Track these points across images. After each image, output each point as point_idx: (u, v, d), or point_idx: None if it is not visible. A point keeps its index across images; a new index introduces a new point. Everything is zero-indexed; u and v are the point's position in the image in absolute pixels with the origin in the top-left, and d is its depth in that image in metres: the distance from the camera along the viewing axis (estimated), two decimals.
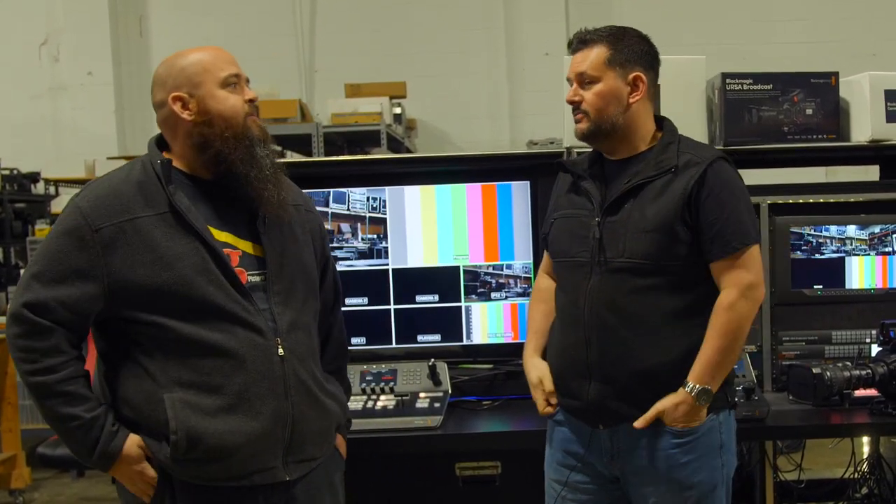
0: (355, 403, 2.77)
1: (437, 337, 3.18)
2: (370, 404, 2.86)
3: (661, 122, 2.38)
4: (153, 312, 1.98)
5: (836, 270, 3.11)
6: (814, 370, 2.79)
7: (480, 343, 3.18)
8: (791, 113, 3.11)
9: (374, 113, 6.83)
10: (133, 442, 2.01)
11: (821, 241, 3.10)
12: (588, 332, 2.26)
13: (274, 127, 5.80)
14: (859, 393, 2.81)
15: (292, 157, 6.65)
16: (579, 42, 2.33)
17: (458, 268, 3.14)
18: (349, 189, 3.15)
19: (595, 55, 2.29)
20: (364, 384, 2.96)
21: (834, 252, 3.10)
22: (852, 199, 3.14)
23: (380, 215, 3.17)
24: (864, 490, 3.49)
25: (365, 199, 3.17)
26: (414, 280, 3.17)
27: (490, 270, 3.17)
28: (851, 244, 3.11)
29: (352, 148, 7.29)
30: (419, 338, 3.18)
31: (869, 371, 2.77)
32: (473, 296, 3.16)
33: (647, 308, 2.22)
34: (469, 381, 3.08)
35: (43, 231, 6.36)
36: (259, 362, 2.02)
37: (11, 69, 8.22)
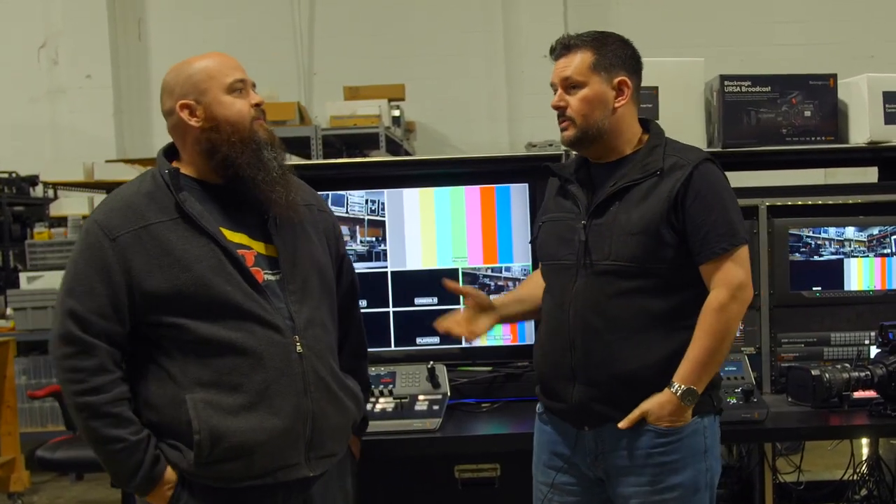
0: None
1: (436, 339, 3.17)
2: (369, 407, 2.85)
3: (647, 125, 2.38)
4: (173, 314, 2.02)
5: (834, 272, 3.11)
6: (813, 372, 2.79)
7: (479, 345, 3.17)
8: (789, 115, 3.12)
9: (373, 115, 6.83)
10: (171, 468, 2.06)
11: (819, 242, 3.10)
12: (572, 335, 2.27)
13: (272, 129, 5.79)
14: (858, 394, 2.81)
15: (291, 159, 6.63)
16: (563, 48, 2.32)
17: (456, 270, 3.14)
18: (348, 192, 3.15)
19: (580, 60, 2.28)
20: None
21: (832, 254, 3.10)
22: (851, 201, 3.14)
23: (378, 218, 3.17)
24: (864, 492, 3.49)
25: (364, 202, 3.17)
26: (413, 282, 3.17)
27: (489, 273, 3.17)
28: (850, 246, 3.11)
29: (350, 150, 7.29)
30: (418, 340, 3.18)
31: (868, 373, 2.77)
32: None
33: (632, 311, 2.23)
34: (468, 383, 3.08)
35: (42, 234, 6.35)
36: (278, 360, 2.06)
37: (10, 72, 8.21)
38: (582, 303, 2.26)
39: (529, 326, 3.16)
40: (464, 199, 3.17)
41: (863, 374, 2.77)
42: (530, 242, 2.56)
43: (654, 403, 2.21)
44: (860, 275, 3.11)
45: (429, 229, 3.16)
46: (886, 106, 3.09)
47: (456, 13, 8.30)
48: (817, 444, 3.77)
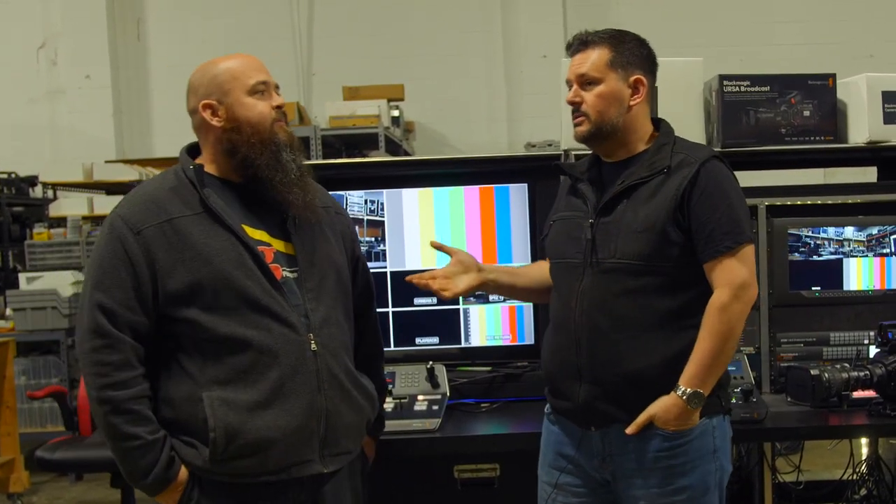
0: None
1: (436, 339, 3.18)
2: None
3: (659, 124, 2.38)
4: (193, 308, 2.05)
5: (834, 272, 3.11)
6: (812, 372, 2.79)
7: (478, 346, 3.18)
8: (789, 115, 3.12)
9: (372, 116, 6.84)
10: (185, 469, 2.08)
11: (819, 242, 3.10)
12: (578, 334, 2.26)
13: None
14: (858, 394, 2.81)
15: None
16: (580, 44, 2.32)
17: None
18: (347, 192, 3.15)
19: (597, 56, 2.28)
20: None
21: (832, 254, 3.10)
22: (850, 201, 3.14)
23: (378, 218, 3.17)
24: (863, 491, 3.49)
25: (363, 202, 3.17)
26: (412, 283, 3.16)
27: None
28: (849, 246, 3.11)
29: (350, 151, 7.30)
30: (417, 340, 3.18)
31: (867, 372, 2.77)
32: (471, 298, 3.16)
33: (638, 310, 2.22)
34: (467, 383, 3.08)
35: (41, 234, 6.36)
36: (293, 357, 2.09)
37: (9, 73, 8.21)
38: (588, 301, 2.26)
39: (529, 327, 3.16)
40: (463, 199, 3.17)
41: (862, 374, 2.77)
42: (540, 241, 2.56)
43: (660, 407, 2.19)
44: (859, 274, 3.11)
45: (428, 229, 3.16)
46: (885, 105, 3.09)
47: (455, 13, 8.30)
48: (817, 444, 3.77)
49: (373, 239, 3.17)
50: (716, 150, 3.00)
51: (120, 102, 8.27)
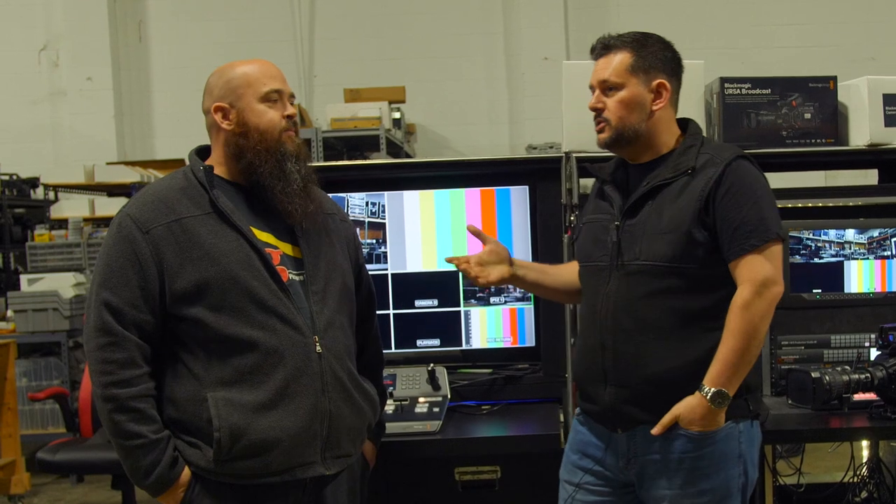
0: None
1: (437, 342, 3.18)
2: None
3: (686, 125, 2.37)
4: (200, 308, 2.06)
5: (834, 274, 3.11)
6: (813, 374, 2.79)
7: (479, 348, 3.18)
8: (789, 117, 3.12)
9: (374, 118, 6.84)
10: (188, 470, 2.08)
11: (819, 245, 3.10)
12: (604, 336, 2.27)
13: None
14: (858, 397, 2.81)
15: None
16: (602, 47, 2.32)
17: (457, 273, 3.14)
18: (348, 194, 3.15)
19: (618, 61, 2.28)
20: None
21: (833, 256, 3.11)
22: (851, 204, 3.14)
23: (379, 220, 3.17)
24: (864, 494, 3.48)
25: (364, 204, 3.17)
26: (413, 285, 3.17)
27: None
28: (850, 248, 3.11)
29: (351, 153, 7.30)
30: (418, 343, 3.18)
31: (868, 375, 2.77)
32: (472, 300, 3.16)
33: (663, 311, 2.21)
34: (468, 385, 3.08)
35: (42, 236, 6.36)
36: (298, 359, 2.10)
37: (11, 75, 8.23)
38: (613, 304, 2.26)
39: (530, 329, 3.16)
40: (464, 201, 3.17)
41: (863, 377, 2.77)
42: (570, 244, 2.57)
43: (684, 407, 2.18)
44: (860, 277, 3.11)
45: (429, 232, 3.17)
46: (886, 108, 3.09)
47: (456, 15, 8.31)
48: (817, 447, 3.77)
49: (374, 241, 3.17)
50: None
51: (121, 104, 8.28)
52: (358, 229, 3.13)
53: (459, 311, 3.17)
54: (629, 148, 2.32)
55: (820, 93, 3.13)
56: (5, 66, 8.21)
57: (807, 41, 8.05)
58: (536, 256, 3.07)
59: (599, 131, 2.32)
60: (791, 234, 3.08)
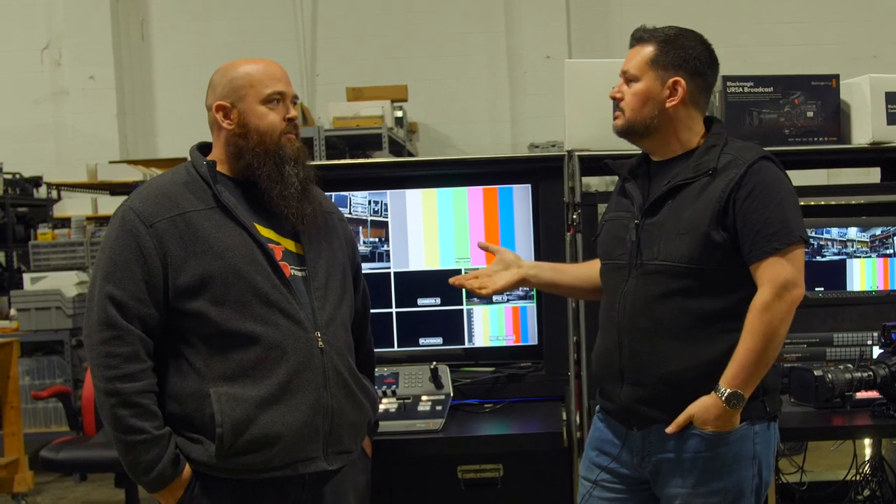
0: None
1: (439, 340, 3.18)
2: None
3: (711, 124, 2.35)
4: (203, 302, 2.06)
5: (837, 272, 3.11)
6: (815, 372, 2.80)
7: (482, 346, 3.19)
8: (792, 115, 3.12)
9: (376, 116, 6.84)
10: (189, 468, 2.08)
11: (822, 243, 3.10)
12: (621, 335, 2.27)
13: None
14: (861, 395, 2.81)
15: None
16: (635, 39, 2.35)
17: (459, 271, 3.14)
18: (351, 192, 3.16)
19: (642, 54, 2.30)
20: None
21: (835, 254, 3.11)
22: (853, 202, 3.14)
23: (381, 219, 3.18)
24: (867, 492, 3.49)
25: (367, 203, 3.17)
26: (416, 283, 3.17)
27: None
28: (853, 246, 3.11)
29: (353, 151, 7.30)
30: (421, 341, 3.19)
31: (870, 373, 2.77)
32: (475, 299, 3.15)
33: (680, 311, 2.20)
34: (471, 384, 3.08)
35: (45, 235, 6.36)
36: (301, 354, 2.10)
37: (13, 74, 8.24)
38: (631, 303, 2.26)
39: (533, 328, 3.16)
40: (466, 199, 3.17)
41: (865, 375, 2.77)
42: (592, 241, 2.57)
43: (699, 407, 2.18)
44: (863, 275, 3.11)
45: (432, 230, 3.17)
46: (889, 106, 3.09)
47: (458, 14, 8.31)
48: (820, 445, 3.77)
49: (376, 239, 3.17)
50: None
51: (124, 103, 8.29)
52: (360, 228, 3.15)
53: (462, 310, 3.18)
54: (643, 141, 2.33)
55: (822, 91, 3.13)
56: (8, 65, 8.23)
57: (809, 39, 8.05)
58: (539, 255, 3.08)
59: (615, 118, 2.34)
60: None
